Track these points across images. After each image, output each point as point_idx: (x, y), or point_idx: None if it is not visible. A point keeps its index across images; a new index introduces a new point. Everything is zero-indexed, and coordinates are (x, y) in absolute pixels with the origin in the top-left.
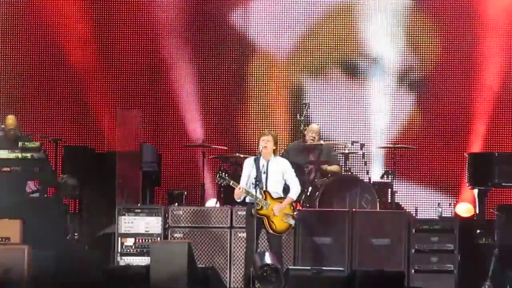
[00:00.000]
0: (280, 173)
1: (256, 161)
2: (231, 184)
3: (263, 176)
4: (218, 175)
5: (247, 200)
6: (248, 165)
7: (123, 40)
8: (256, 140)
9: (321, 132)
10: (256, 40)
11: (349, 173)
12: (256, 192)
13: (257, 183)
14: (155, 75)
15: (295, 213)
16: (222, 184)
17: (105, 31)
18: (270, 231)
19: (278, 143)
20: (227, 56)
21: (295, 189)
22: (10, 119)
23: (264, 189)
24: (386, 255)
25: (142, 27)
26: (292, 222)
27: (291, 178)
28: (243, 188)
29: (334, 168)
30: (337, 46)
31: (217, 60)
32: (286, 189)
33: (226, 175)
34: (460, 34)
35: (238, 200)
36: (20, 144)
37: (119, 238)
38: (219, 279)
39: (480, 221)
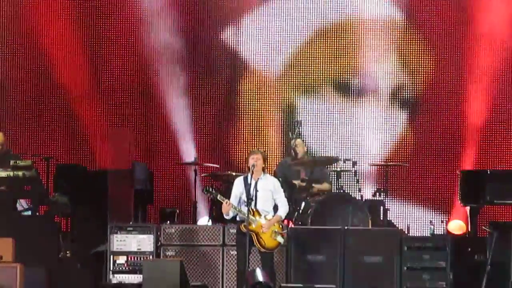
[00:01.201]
0: (269, 192)
1: (246, 180)
2: (218, 198)
3: (253, 194)
4: (204, 188)
5: (238, 218)
6: (238, 183)
7: (116, 59)
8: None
9: (314, 150)
10: (248, 59)
11: (341, 191)
12: (245, 209)
13: (247, 201)
14: (147, 94)
15: (284, 231)
16: (210, 197)
17: (98, 50)
18: (260, 248)
19: (270, 161)
20: (219, 75)
21: (284, 208)
22: None
23: (253, 206)
24: (378, 273)
25: (135, 47)
26: (281, 240)
27: (280, 198)
28: (231, 203)
29: (324, 186)
30: (330, 65)
31: (210, 78)
32: (276, 208)
33: (213, 188)
34: (452, 55)
35: (227, 217)
36: (11, 162)
37: (112, 256)
38: None
39: (472, 239)
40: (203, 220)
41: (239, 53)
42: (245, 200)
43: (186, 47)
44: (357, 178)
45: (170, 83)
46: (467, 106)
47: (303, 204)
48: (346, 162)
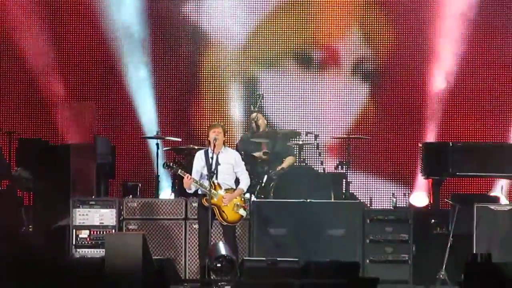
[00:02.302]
0: (230, 165)
1: (207, 153)
2: (178, 172)
3: (214, 167)
4: (164, 164)
5: (199, 192)
6: (199, 157)
7: (76, 33)
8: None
9: (276, 123)
10: (210, 33)
11: (303, 163)
12: (206, 183)
13: (208, 175)
14: (109, 68)
15: (246, 204)
16: (170, 173)
17: (60, 24)
18: (222, 221)
19: (232, 135)
20: (181, 49)
21: (245, 181)
22: None
23: (215, 180)
24: (341, 246)
25: (95, 20)
26: (243, 212)
27: (242, 171)
28: (192, 177)
29: (289, 160)
30: (291, 38)
31: (172, 52)
32: (238, 181)
33: (173, 163)
34: (414, 25)
35: (189, 191)
36: None
37: (74, 230)
38: (174, 271)
39: (434, 211)
40: (165, 193)
41: (201, 27)
42: (207, 174)
43: (148, 22)
44: (319, 151)
45: (132, 57)
46: (429, 78)
47: (265, 177)
48: (308, 135)
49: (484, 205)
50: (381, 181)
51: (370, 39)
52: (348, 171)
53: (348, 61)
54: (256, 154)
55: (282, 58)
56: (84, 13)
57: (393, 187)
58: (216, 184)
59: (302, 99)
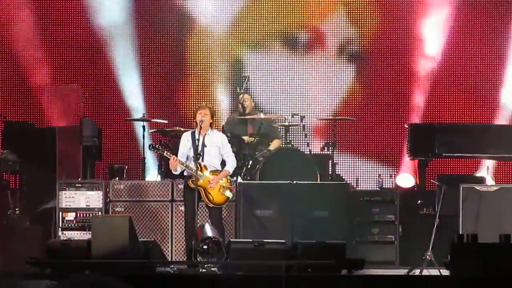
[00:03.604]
0: (216, 147)
1: (193, 135)
2: (164, 154)
3: (200, 149)
4: (150, 146)
5: (185, 173)
6: (185, 139)
7: (62, 14)
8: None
9: (262, 105)
10: (196, 15)
11: (290, 145)
12: (192, 164)
13: (194, 156)
14: (96, 50)
15: (232, 186)
16: (156, 155)
17: (44, 5)
18: (208, 203)
19: (218, 117)
20: (167, 31)
21: (232, 163)
22: None
23: (201, 162)
24: (328, 227)
25: (83, 2)
26: (229, 194)
27: (228, 153)
28: (178, 159)
29: (275, 143)
30: (278, 19)
31: (158, 34)
32: (224, 163)
33: (159, 145)
34: (400, 7)
35: (175, 173)
36: None
37: (60, 213)
38: (160, 253)
39: (420, 192)
40: (152, 176)
41: (187, 9)
42: (193, 155)
43: (134, 4)
44: (305, 132)
45: (119, 39)
46: (414, 60)
47: (251, 159)
48: (294, 116)
49: (470, 185)
50: (367, 162)
51: (357, 21)
52: (334, 152)
53: (334, 43)
54: (243, 137)
55: (268, 40)
56: None
57: (379, 168)
58: (202, 166)
59: (289, 81)
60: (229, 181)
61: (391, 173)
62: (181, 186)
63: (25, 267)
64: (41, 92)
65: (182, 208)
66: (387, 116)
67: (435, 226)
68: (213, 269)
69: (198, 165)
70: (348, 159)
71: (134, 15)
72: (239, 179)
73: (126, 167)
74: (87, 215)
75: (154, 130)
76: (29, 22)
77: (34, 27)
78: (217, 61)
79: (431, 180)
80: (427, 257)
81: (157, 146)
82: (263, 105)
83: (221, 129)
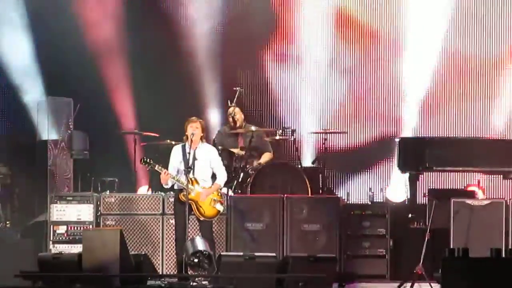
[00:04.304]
0: (207, 161)
1: (184, 148)
2: (156, 168)
3: (191, 163)
4: (142, 160)
5: (176, 187)
6: (176, 152)
7: (54, 26)
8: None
9: (252, 118)
10: (186, 27)
11: (281, 159)
12: (183, 178)
13: (185, 169)
14: (87, 63)
15: (223, 199)
16: (148, 169)
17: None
18: (199, 216)
19: (210, 130)
20: (158, 42)
21: (222, 177)
22: None
23: (192, 175)
24: (319, 241)
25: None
26: (220, 208)
27: (218, 166)
28: (169, 173)
29: (266, 157)
30: (269, 33)
31: (149, 45)
32: (215, 176)
33: (151, 159)
34: (389, 20)
35: (166, 187)
36: None
37: (51, 226)
38: (151, 266)
39: (411, 206)
40: (143, 189)
41: (178, 22)
42: (184, 169)
43: (128, 16)
44: (296, 146)
45: (110, 53)
46: (405, 74)
47: (242, 173)
48: (285, 130)
49: (461, 200)
50: (358, 176)
51: (346, 36)
52: (325, 166)
53: (325, 57)
54: (234, 150)
55: (260, 54)
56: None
57: (370, 182)
58: (193, 179)
59: (280, 94)
60: (219, 194)
61: (382, 186)
62: (172, 199)
63: (16, 280)
64: (33, 105)
65: (173, 221)
66: (378, 129)
67: (426, 240)
68: (204, 282)
69: (189, 178)
70: (339, 173)
71: (127, 27)
72: (230, 192)
73: (117, 180)
74: (78, 228)
75: (145, 143)
76: (23, 34)
77: (27, 40)
78: (208, 75)
79: (422, 194)
80: (418, 271)
81: (148, 160)
82: (254, 118)
83: (211, 142)
